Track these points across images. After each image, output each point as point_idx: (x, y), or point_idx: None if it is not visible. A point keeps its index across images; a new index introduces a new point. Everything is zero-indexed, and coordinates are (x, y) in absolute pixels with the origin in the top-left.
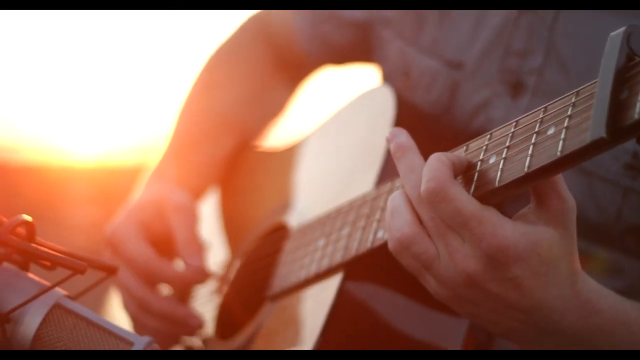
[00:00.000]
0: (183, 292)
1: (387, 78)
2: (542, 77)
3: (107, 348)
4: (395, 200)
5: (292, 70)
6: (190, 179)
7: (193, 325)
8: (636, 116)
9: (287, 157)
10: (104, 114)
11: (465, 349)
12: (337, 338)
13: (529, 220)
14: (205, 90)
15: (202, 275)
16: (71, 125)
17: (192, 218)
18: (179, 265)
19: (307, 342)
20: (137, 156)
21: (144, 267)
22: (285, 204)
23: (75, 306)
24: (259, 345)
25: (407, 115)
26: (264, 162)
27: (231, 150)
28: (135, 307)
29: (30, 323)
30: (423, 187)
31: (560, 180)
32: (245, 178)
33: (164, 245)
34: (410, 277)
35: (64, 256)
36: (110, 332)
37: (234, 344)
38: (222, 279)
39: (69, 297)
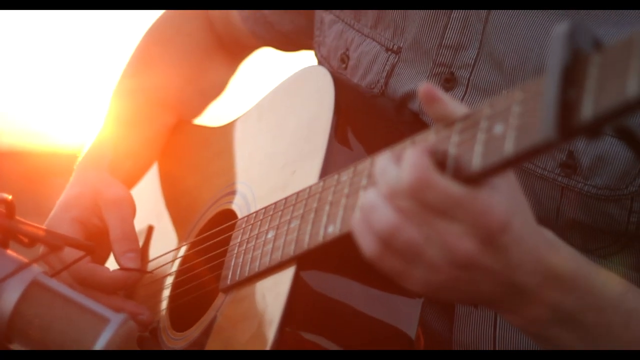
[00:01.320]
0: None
1: (323, 63)
2: (475, 72)
3: (83, 324)
4: (369, 197)
5: (233, 48)
6: (125, 163)
7: (142, 321)
8: (586, 116)
9: (225, 136)
10: (88, 101)
11: (421, 327)
12: (295, 329)
13: (497, 185)
14: (140, 68)
15: (135, 276)
16: (55, 111)
17: (127, 213)
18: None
19: (267, 334)
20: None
21: (79, 271)
22: (228, 189)
23: (53, 283)
24: (216, 338)
25: (346, 97)
26: (203, 140)
27: (168, 130)
28: None
29: (8, 299)
30: (407, 178)
31: None
32: (184, 157)
33: (101, 240)
34: (363, 262)
35: (42, 233)
36: (87, 308)
37: (190, 336)
38: (169, 269)
39: (46, 274)
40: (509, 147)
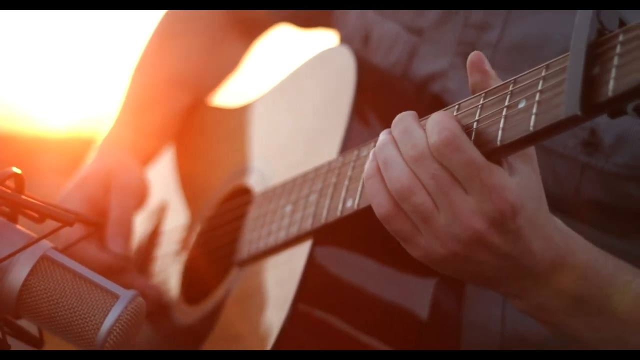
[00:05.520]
0: (143, 261)
1: (344, 42)
2: (497, 52)
3: (93, 300)
4: (387, 151)
5: (249, 26)
6: (145, 142)
7: (151, 296)
8: (609, 94)
9: (243, 116)
10: (76, 84)
11: (433, 307)
12: (309, 306)
13: (518, 168)
14: (158, 48)
15: (120, 262)
16: (43, 94)
17: (131, 202)
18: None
19: (281, 308)
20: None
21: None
22: (245, 166)
23: (63, 258)
24: (230, 311)
25: (368, 76)
26: (221, 120)
27: (186, 108)
28: None
29: (17, 274)
30: (436, 138)
31: None
32: (201, 136)
33: (106, 219)
34: (379, 240)
35: (53, 208)
36: (97, 284)
37: (203, 309)
38: (184, 244)
39: (56, 249)
40: (532, 122)
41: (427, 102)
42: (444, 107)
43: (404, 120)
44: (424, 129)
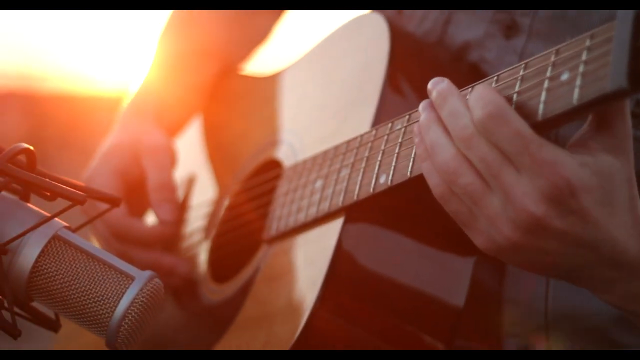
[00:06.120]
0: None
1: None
2: (537, 18)
3: (107, 282)
4: (434, 133)
5: None
6: (169, 112)
7: (180, 273)
8: None
9: (273, 85)
10: (131, 43)
11: (473, 286)
12: (340, 284)
13: (590, 148)
14: (185, 15)
15: (172, 229)
16: (100, 54)
17: (166, 161)
18: (151, 219)
19: (311, 289)
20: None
21: (115, 225)
22: (274, 137)
23: (76, 238)
24: (259, 290)
25: (401, 45)
26: (250, 89)
27: (213, 78)
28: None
29: (28, 254)
30: (481, 113)
31: (626, 101)
32: (230, 105)
33: (141, 190)
34: (415, 217)
35: (63, 186)
36: (111, 265)
37: (231, 288)
38: (211, 219)
39: (69, 228)
40: (576, 95)
41: (465, 71)
42: (481, 77)
43: (450, 101)
44: (468, 106)
